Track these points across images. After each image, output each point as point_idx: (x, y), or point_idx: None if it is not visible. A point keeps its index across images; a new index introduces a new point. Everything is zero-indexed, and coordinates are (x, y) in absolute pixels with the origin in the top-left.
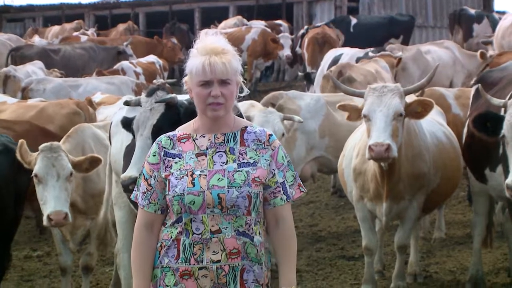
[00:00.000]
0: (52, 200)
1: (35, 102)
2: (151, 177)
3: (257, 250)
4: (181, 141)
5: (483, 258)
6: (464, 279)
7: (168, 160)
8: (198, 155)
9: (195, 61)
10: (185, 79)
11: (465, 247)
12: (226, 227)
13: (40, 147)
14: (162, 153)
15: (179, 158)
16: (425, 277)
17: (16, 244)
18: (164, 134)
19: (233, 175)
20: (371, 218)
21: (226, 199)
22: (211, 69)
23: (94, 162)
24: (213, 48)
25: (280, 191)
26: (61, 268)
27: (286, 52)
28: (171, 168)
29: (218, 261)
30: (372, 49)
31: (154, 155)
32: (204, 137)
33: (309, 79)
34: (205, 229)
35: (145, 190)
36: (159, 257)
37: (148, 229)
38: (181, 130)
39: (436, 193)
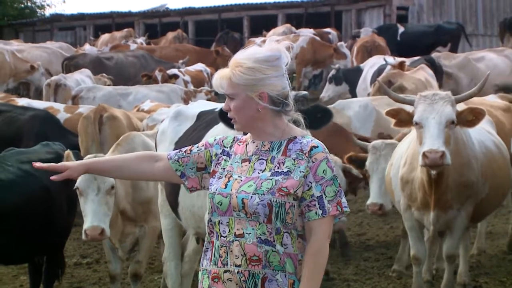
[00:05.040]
0: (90, 215)
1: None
2: (197, 147)
3: (280, 258)
4: (239, 143)
5: None
6: None
7: (221, 158)
8: (243, 160)
9: None
10: None
11: None
12: (250, 233)
13: (84, 158)
14: (220, 151)
15: (229, 158)
16: (475, 287)
17: (66, 251)
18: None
19: (261, 183)
20: (419, 227)
21: (248, 204)
22: (215, 83)
23: None
24: (232, 62)
25: (315, 205)
26: (110, 276)
27: (348, 62)
28: (220, 166)
29: (239, 265)
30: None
31: (217, 143)
32: (254, 142)
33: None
34: (229, 231)
35: (184, 150)
36: (200, 259)
37: (153, 158)
38: (247, 135)
39: (485, 202)
